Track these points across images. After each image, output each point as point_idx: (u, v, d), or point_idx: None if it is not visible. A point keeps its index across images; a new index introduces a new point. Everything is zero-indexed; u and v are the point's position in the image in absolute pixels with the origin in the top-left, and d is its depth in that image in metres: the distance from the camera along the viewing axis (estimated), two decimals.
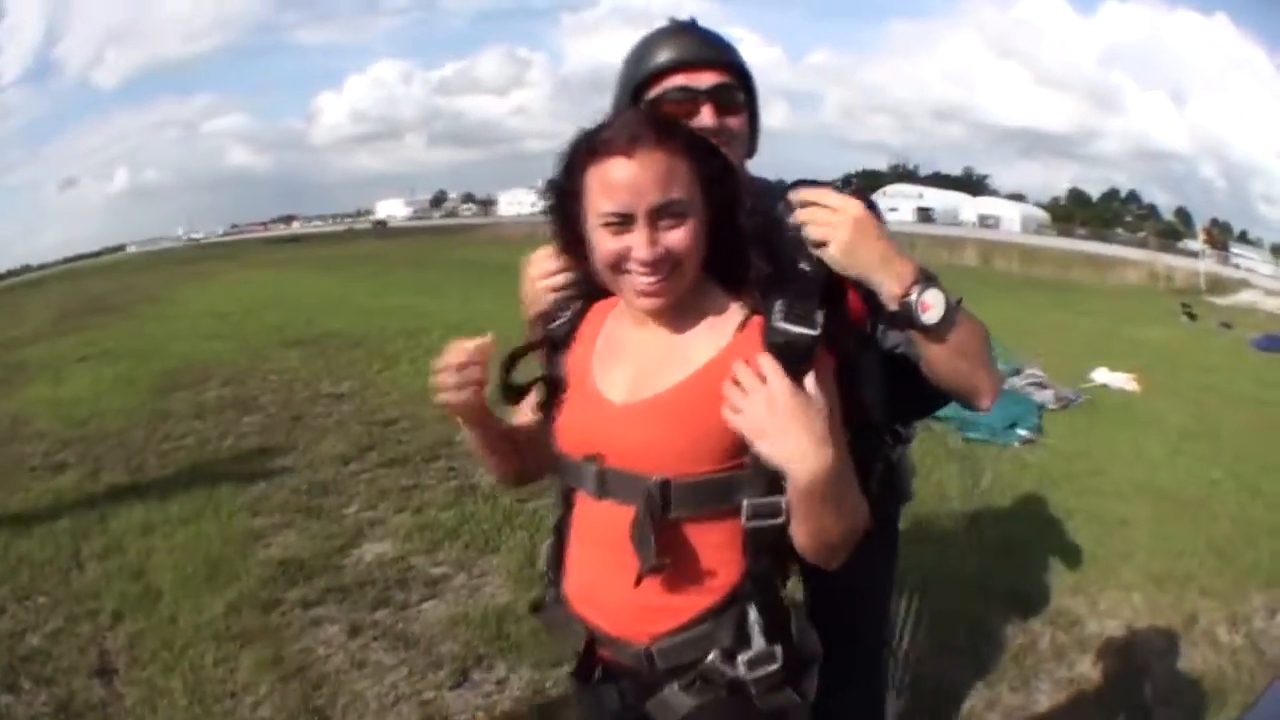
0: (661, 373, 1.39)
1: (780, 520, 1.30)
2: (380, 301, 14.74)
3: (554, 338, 1.56)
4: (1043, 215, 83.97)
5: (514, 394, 1.54)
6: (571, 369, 1.52)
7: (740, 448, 1.30)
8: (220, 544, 4.43)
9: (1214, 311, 22.33)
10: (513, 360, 1.53)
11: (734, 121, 1.63)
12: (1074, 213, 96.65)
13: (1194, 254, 43.96)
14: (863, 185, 1.69)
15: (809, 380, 1.27)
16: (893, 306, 1.42)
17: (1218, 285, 31.65)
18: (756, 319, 1.36)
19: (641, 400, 1.39)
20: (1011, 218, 71.90)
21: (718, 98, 1.60)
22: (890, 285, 1.40)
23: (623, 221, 1.32)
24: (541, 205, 1.46)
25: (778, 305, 1.33)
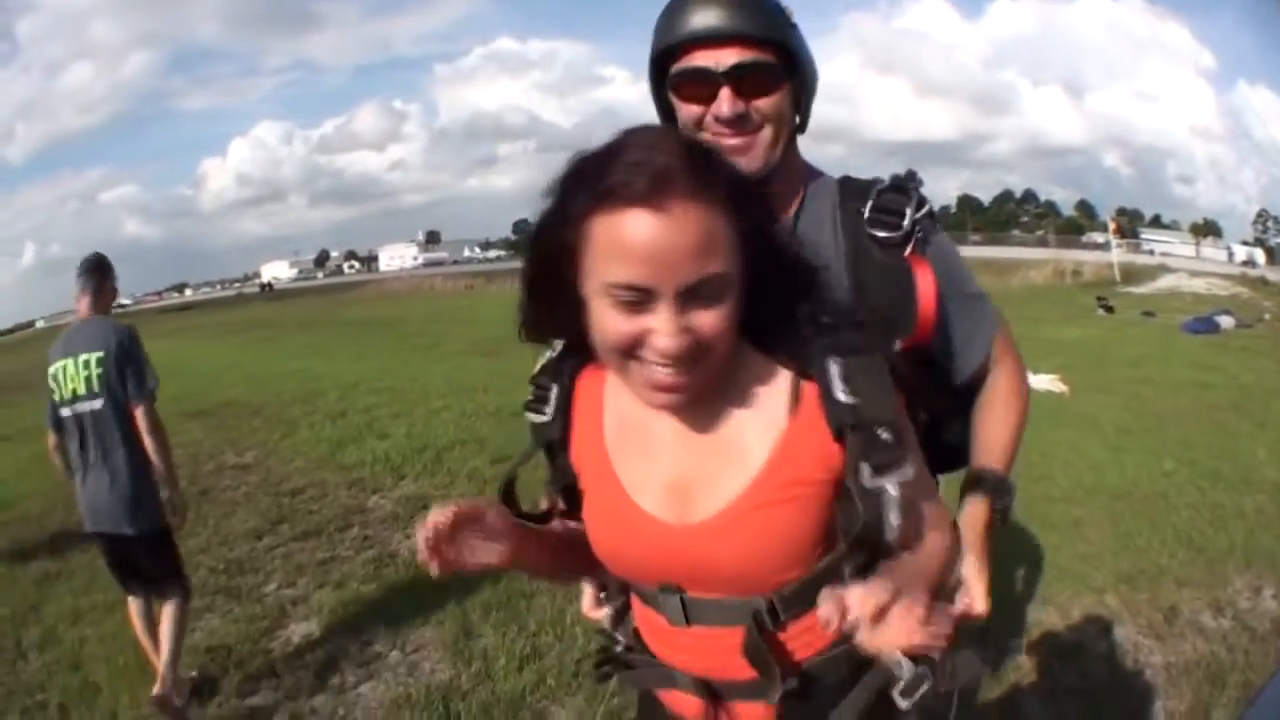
0: (714, 475, 1.27)
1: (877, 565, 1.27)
2: (274, 367, 16.02)
3: (547, 440, 1.42)
4: None
5: (536, 522, 1.45)
6: (583, 468, 1.40)
7: (834, 532, 1.26)
8: None
9: (1133, 301, 23.97)
10: (510, 486, 1.44)
11: (764, 103, 1.55)
12: (966, 219, 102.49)
13: (1101, 246, 47.25)
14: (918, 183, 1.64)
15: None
16: None
17: (1134, 274, 34.03)
18: (810, 390, 1.25)
19: (706, 520, 1.27)
20: None
21: (740, 81, 1.52)
22: None
23: (641, 298, 1.13)
24: (522, 250, 1.29)
25: (833, 367, 1.22)
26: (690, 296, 1.12)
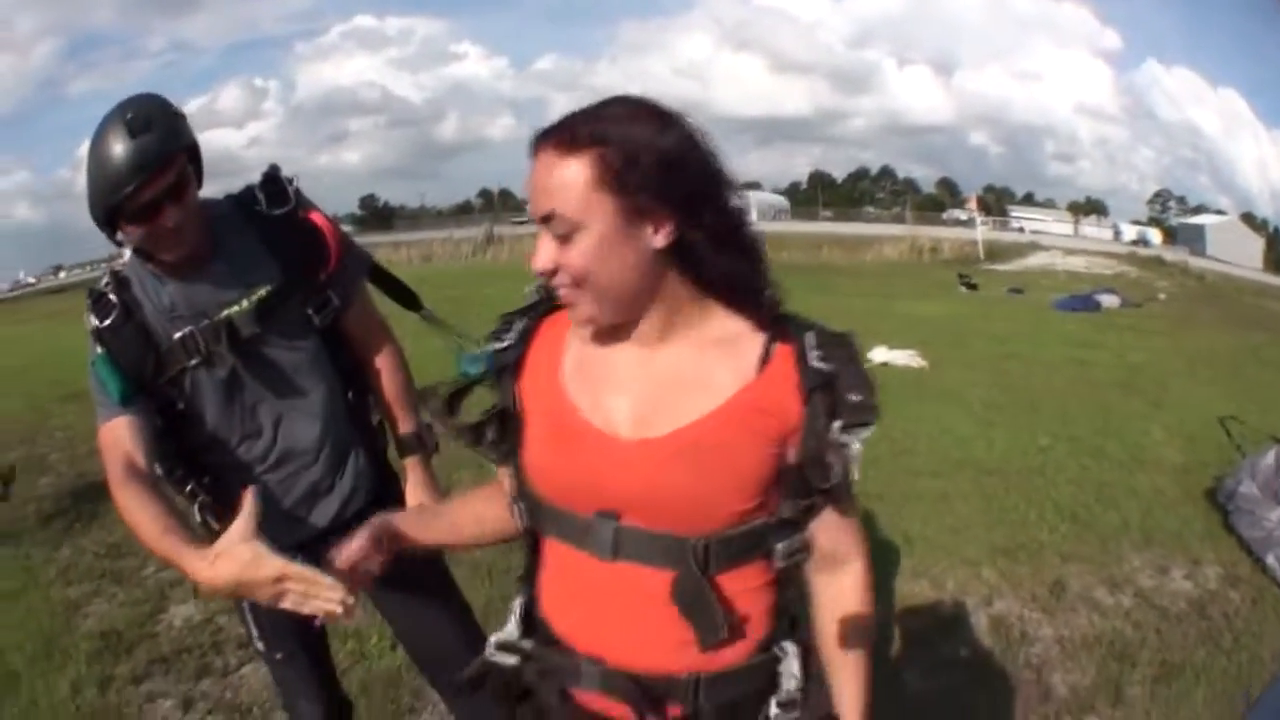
0: (677, 400, 1.50)
1: (806, 555, 1.58)
2: None
3: (501, 364, 1.67)
4: (781, 200, 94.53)
5: (472, 435, 1.69)
6: (530, 400, 1.64)
7: (770, 482, 1.49)
8: (48, 618, 5.01)
9: (999, 278, 25.27)
10: (453, 400, 1.74)
11: (187, 195, 2.19)
12: (817, 195, 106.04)
13: (964, 223, 49.27)
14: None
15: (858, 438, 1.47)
16: None
17: (1000, 252, 35.71)
18: (783, 352, 1.50)
19: (664, 435, 1.48)
20: (748, 206, 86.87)
21: (166, 199, 2.13)
22: None
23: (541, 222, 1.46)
24: None
25: (810, 337, 1.50)
26: (551, 229, 1.43)
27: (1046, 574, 4.98)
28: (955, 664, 4.13)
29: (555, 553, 1.64)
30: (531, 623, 1.71)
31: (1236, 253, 54.65)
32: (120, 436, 2.20)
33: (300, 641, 2.58)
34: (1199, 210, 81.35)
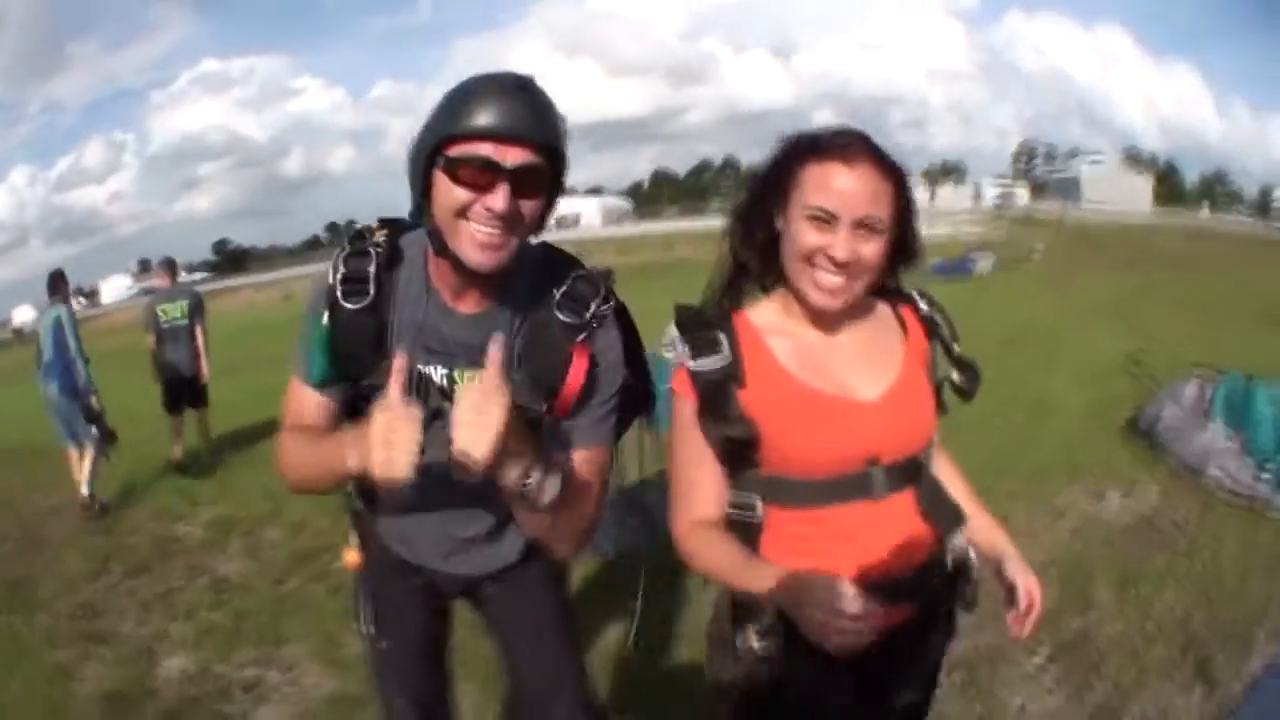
0: (877, 369, 1.99)
1: None
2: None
3: (724, 378, 1.91)
4: (623, 204, 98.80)
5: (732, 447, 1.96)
6: (766, 400, 1.90)
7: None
8: (45, 685, 4.97)
9: None
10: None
11: (528, 206, 1.85)
12: (661, 194, 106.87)
13: None
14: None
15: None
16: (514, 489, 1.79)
17: None
18: (907, 309, 2.09)
19: (887, 393, 1.96)
20: (591, 212, 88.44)
21: (519, 180, 1.81)
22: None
23: (828, 218, 1.82)
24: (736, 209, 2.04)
25: (914, 294, 2.10)
26: (858, 226, 1.82)
27: (994, 511, 5.18)
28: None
29: (802, 520, 1.93)
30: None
31: (1119, 196, 56.34)
32: (307, 408, 2.09)
33: (411, 635, 2.55)
34: (1073, 156, 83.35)
